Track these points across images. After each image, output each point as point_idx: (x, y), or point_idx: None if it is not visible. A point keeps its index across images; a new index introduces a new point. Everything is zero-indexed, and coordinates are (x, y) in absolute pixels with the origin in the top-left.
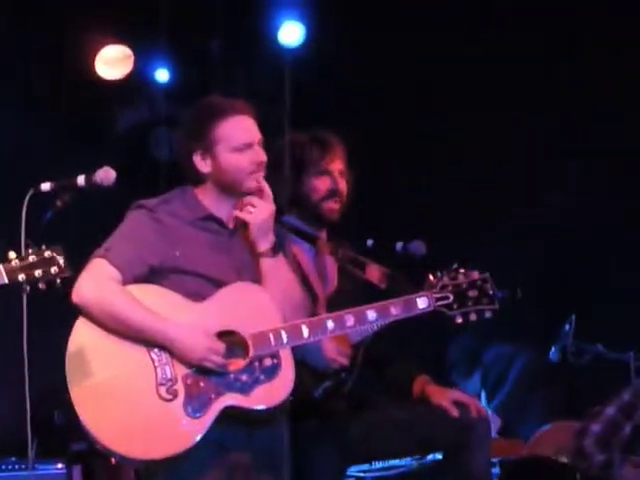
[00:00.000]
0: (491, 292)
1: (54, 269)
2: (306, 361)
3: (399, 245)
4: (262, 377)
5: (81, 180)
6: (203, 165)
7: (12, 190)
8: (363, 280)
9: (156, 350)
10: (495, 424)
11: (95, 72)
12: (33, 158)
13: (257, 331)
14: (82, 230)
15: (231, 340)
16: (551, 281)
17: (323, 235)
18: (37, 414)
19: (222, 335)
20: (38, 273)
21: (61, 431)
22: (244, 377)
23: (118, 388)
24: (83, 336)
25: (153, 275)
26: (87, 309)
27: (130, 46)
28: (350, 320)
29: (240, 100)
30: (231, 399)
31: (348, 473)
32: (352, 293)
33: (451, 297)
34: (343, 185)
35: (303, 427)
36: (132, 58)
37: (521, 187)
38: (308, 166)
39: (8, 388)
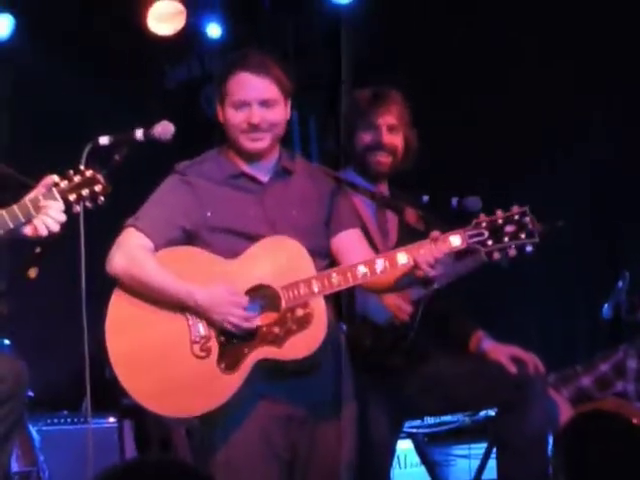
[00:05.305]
0: (531, 226)
1: (98, 187)
2: (367, 316)
3: (454, 200)
4: (294, 327)
5: (139, 134)
6: (220, 116)
7: (69, 145)
8: (422, 233)
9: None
10: None
11: (147, 27)
12: (85, 112)
13: (288, 283)
14: (136, 185)
15: (263, 294)
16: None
17: (383, 188)
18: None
19: (255, 290)
20: (85, 192)
21: (112, 385)
22: (276, 329)
23: (154, 349)
24: (120, 303)
25: (188, 237)
26: (119, 278)
27: (182, 1)
28: (380, 264)
29: (262, 55)
30: (264, 352)
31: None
32: None
33: (486, 233)
34: (391, 139)
35: (361, 380)
36: (184, 13)
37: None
38: (358, 120)
39: (60, 344)
